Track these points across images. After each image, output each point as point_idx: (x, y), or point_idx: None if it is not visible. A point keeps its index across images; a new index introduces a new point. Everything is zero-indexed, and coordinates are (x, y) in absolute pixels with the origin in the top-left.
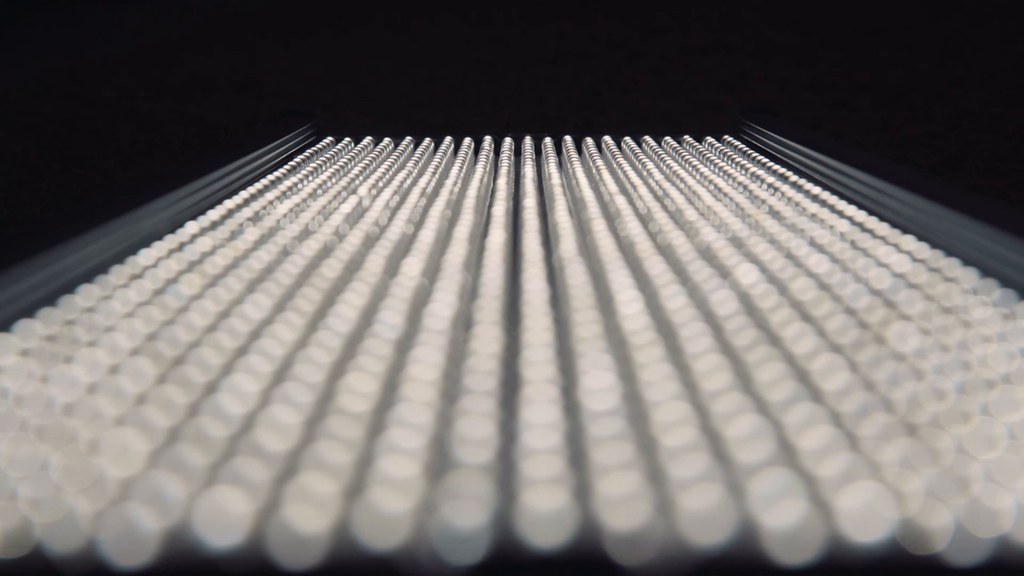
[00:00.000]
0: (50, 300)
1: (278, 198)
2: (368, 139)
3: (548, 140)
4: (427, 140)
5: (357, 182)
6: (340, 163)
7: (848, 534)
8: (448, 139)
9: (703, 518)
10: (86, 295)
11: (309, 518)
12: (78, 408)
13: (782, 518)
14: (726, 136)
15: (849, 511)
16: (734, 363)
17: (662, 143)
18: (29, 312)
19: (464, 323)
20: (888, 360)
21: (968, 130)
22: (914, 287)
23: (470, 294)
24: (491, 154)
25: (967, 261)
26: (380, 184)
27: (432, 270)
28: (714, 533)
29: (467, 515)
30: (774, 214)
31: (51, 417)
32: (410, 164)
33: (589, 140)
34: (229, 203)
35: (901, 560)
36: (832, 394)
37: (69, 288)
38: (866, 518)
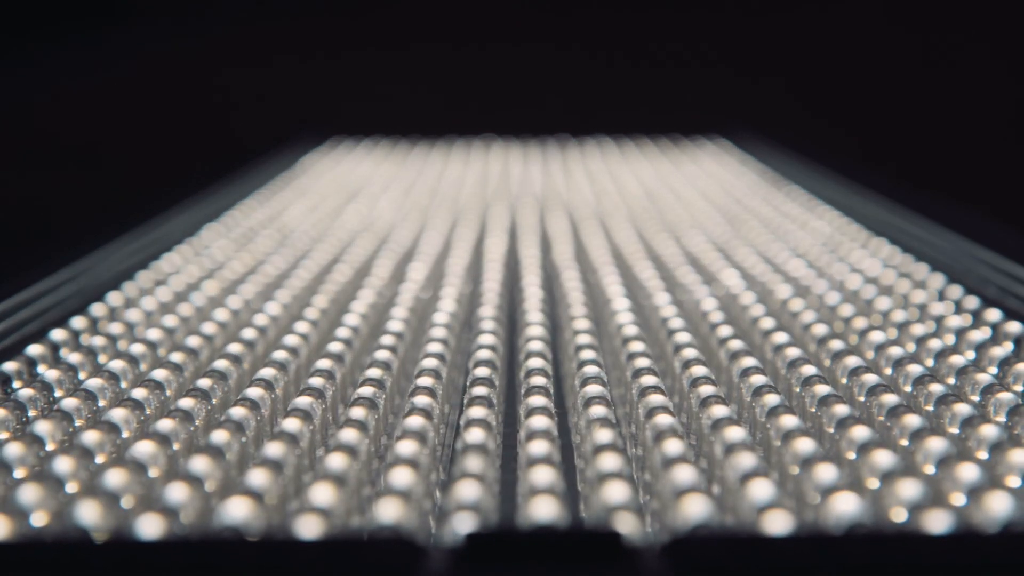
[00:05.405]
0: (81, 308)
1: (289, 204)
2: (373, 144)
3: (545, 144)
4: (428, 144)
5: (364, 188)
6: (347, 169)
7: (820, 506)
8: (448, 143)
9: (684, 493)
10: (114, 301)
11: (323, 492)
12: (113, 403)
13: (759, 493)
14: (716, 142)
15: (820, 485)
16: (714, 356)
17: (654, 149)
18: (61, 322)
19: (466, 324)
20: (856, 355)
21: (943, 140)
22: (885, 290)
23: (471, 298)
24: (490, 159)
25: (936, 266)
26: (386, 190)
27: (436, 276)
28: (695, 508)
29: (468, 491)
30: (760, 219)
31: (88, 411)
32: (414, 169)
33: (584, 145)
34: (245, 207)
35: (872, 529)
36: (802, 380)
37: (98, 295)
38: (837, 492)
